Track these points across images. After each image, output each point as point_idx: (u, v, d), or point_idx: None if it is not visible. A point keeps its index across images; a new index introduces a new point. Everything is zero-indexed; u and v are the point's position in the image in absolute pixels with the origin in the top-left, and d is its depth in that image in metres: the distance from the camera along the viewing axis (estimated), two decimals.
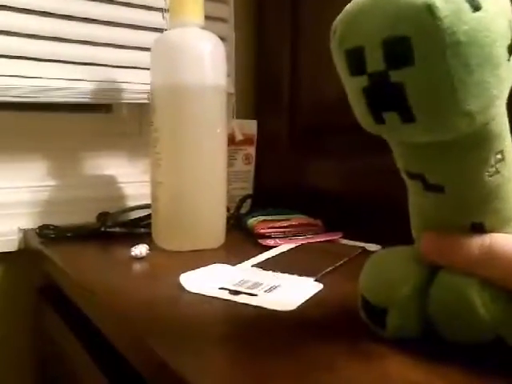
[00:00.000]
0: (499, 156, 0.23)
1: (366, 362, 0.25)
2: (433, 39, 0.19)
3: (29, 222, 0.61)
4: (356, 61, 0.22)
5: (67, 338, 0.47)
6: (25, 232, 0.60)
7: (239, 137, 0.68)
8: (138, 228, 0.56)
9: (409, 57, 0.20)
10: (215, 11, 0.68)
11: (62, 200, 0.64)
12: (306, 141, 0.67)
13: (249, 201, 0.67)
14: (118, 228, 0.56)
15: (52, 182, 0.64)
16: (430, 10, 0.19)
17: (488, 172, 0.23)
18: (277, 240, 0.52)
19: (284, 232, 0.54)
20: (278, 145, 0.71)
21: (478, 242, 0.24)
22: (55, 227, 0.56)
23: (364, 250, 0.49)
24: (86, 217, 0.60)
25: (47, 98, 0.59)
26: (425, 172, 0.24)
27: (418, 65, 0.20)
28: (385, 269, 0.27)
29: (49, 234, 0.55)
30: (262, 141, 0.70)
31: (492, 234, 0.24)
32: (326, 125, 0.63)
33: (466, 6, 0.19)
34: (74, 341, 0.45)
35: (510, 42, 0.20)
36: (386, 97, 0.21)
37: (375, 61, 0.21)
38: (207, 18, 0.51)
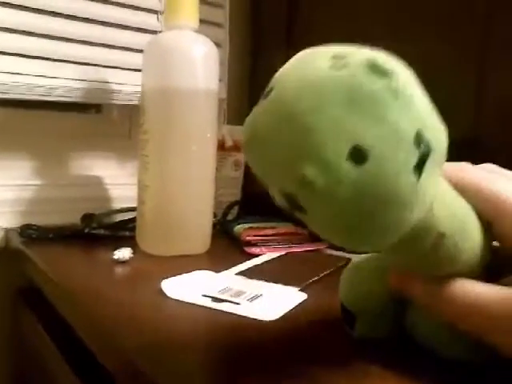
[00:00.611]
0: (439, 236, 0.22)
1: (347, 374, 0.24)
2: (318, 209, 0.19)
3: (11, 221, 0.60)
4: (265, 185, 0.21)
5: (44, 341, 0.46)
6: (6, 231, 0.59)
7: (229, 143, 0.67)
8: (123, 231, 0.55)
9: (301, 208, 0.19)
10: (210, 16, 0.68)
11: (46, 200, 0.63)
12: None
13: (236, 207, 0.67)
14: (103, 230, 0.55)
15: (37, 181, 0.63)
16: (306, 186, 0.18)
17: (430, 251, 0.22)
18: (262, 248, 0.51)
19: (270, 240, 0.53)
20: None
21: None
22: (38, 227, 0.55)
23: (349, 261, 0.48)
24: (70, 217, 0.59)
25: (36, 95, 0.58)
26: None
27: (310, 215, 0.19)
28: (357, 277, 0.29)
29: (31, 233, 0.54)
30: None
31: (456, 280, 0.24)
32: None
33: (347, 166, 0.17)
34: (50, 345, 0.44)
35: (415, 161, 0.18)
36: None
37: (280, 198, 0.20)
38: (202, 22, 0.51)
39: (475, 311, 0.23)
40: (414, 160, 0.18)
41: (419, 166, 0.18)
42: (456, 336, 0.24)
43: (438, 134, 0.19)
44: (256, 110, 0.20)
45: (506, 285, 0.23)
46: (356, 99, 0.18)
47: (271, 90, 0.19)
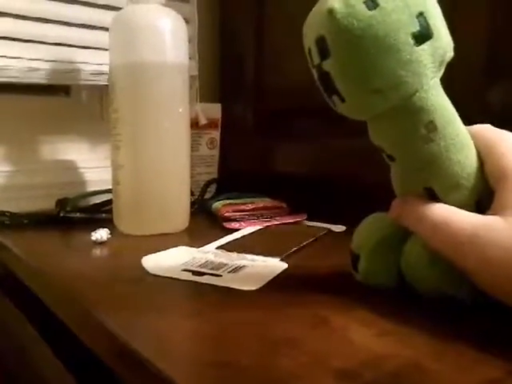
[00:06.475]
0: (430, 126, 0.26)
1: (329, 333, 0.25)
2: (336, 36, 0.25)
3: None
4: (309, 57, 0.28)
5: (21, 323, 0.45)
6: None
7: (203, 121, 0.66)
8: (99, 213, 0.54)
9: (327, 51, 0.26)
10: None
11: (19, 186, 0.61)
12: (270, 124, 0.66)
13: (214, 186, 0.66)
14: (78, 213, 0.54)
15: (8, 168, 0.62)
16: (330, 13, 0.25)
17: (421, 141, 0.26)
18: (242, 223, 0.51)
19: (249, 215, 0.53)
20: (242, 128, 0.70)
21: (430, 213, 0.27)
22: (11, 214, 0.54)
23: (329, 230, 0.48)
24: (44, 204, 0.57)
25: (2, 77, 0.56)
26: (380, 144, 0.29)
27: (333, 57, 0.26)
28: (368, 223, 0.32)
29: (3, 220, 0.52)
30: (226, 125, 0.69)
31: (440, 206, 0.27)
32: (290, 108, 0.62)
33: (362, 7, 0.24)
34: (29, 327, 0.43)
35: (415, 30, 0.24)
36: (326, 83, 0.27)
37: (315, 56, 0.27)
38: None
39: (445, 232, 0.25)
40: (413, 28, 0.24)
41: (418, 38, 0.24)
42: (435, 259, 0.27)
43: (442, 33, 0.25)
44: None
45: None
46: None
47: None
